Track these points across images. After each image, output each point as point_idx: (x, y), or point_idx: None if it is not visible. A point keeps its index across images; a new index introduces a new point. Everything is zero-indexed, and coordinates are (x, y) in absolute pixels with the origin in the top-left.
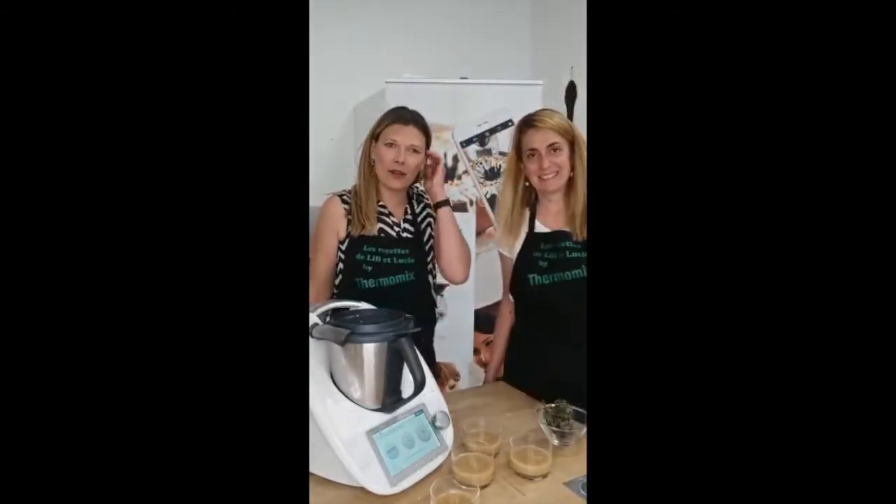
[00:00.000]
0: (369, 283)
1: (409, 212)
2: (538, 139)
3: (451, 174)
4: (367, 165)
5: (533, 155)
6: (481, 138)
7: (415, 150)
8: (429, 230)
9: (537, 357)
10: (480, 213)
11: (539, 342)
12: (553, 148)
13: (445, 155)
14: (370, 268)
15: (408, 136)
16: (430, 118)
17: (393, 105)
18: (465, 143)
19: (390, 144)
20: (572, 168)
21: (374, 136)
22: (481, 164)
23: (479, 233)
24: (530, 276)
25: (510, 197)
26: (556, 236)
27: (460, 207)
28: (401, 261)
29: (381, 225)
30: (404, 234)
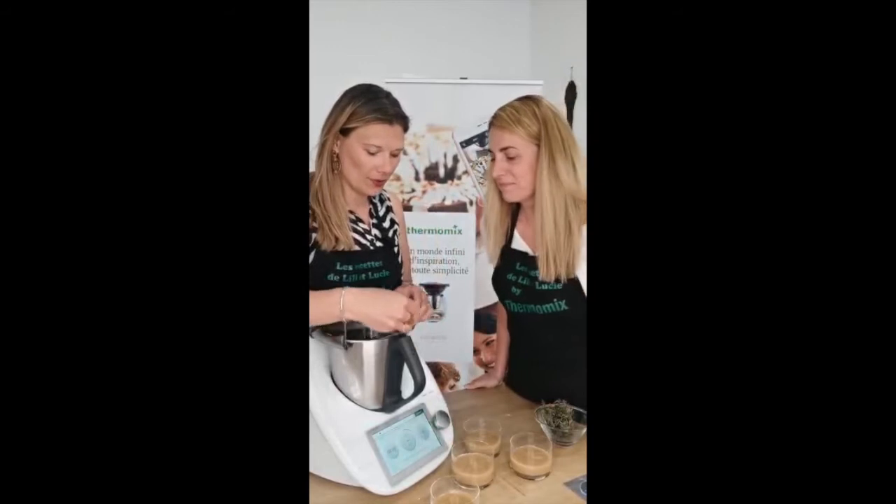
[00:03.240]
0: None
1: (373, 214)
2: (494, 140)
3: (450, 174)
4: (330, 162)
5: (494, 158)
6: (481, 138)
7: (396, 154)
8: (395, 235)
9: (522, 371)
10: (480, 213)
11: (522, 360)
12: (508, 154)
13: (445, 155)
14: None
15: (394, 139)
16: (430, 118)
17: None
18: (465, 143)
19: (374, 151)
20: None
21: (344, 130)
22: (481, 164)
23: (479, 233)
24: (506, 301)
25: (492, 200)
26: (531, 262)
27: (460, 207)
28: (376, 275)
29: (353, 235)
30: (377, 243)
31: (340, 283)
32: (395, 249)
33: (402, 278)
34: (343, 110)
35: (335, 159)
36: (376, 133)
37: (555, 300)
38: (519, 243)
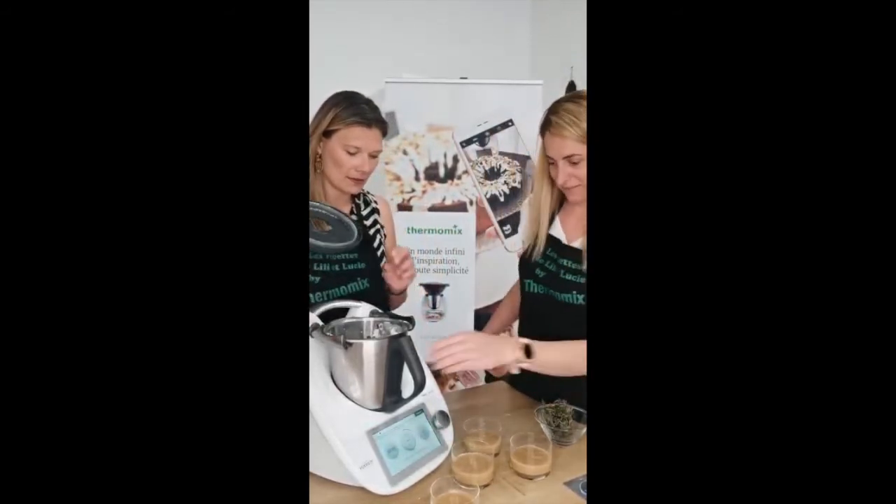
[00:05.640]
0: (317, 298)
1: (354, 211)
2: (554, 148)
3: (450, 174)
4: (312, 162)
5: (553, 163)
6: (481, 138)
7: (374, 155)
8: (378, 235)
9: None
10: (480, 213)
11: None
12: (571, 160)
13: (445, 155)
14: (317, 279)
15: (373, 141)
16: (430, 118)
17: (392, 106)
18: (465, 143)
19: (353, 152)
20: None
21: (325, 133)
22: (481, 164)
23: (479, 233)
24: (527, 280)
25: (541, 193)
26: (562, 249)
27: (460, 207)
28: (350, 266)
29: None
30: None
31: (312, 272)
32: (375, 245)
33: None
34: (326, 114)
35: (318, 160)
36: (356, 135)
37: (574, 292)
38: (557, 230)
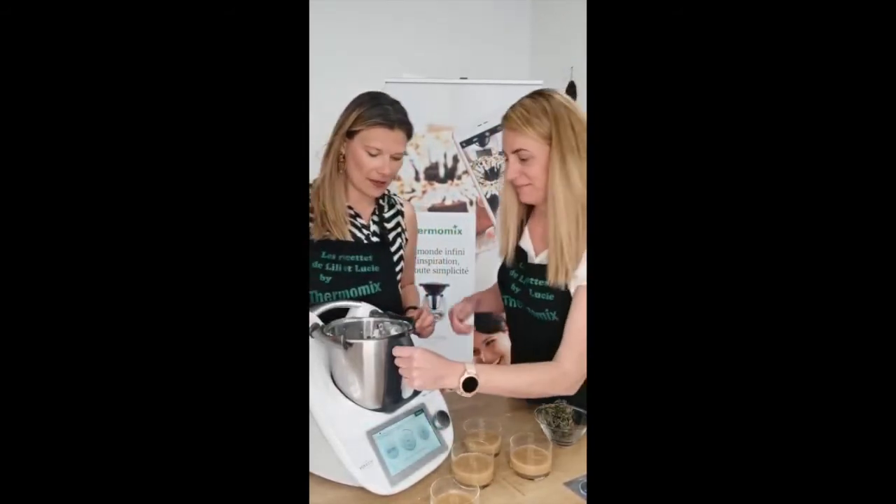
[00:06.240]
0: (325, 298)
1: (376, 213)
2: (507, 142)
3: (450, 174)
4: (335, 162)
5: (507, 159)
6: (481, 138)
7: (397, 157)
8: (399, 238)
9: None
10: (480, 213)
11: (521, 360)
12: (520, 156)
13: (445, 155)
14: (328, 279)
15: (395, 143)
16: (430, 118)
17: None
18: (465, 144)
19: (374, 153)
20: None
21: (349, 133)
22: (481, 164)
23: (479, 233)
24: (505, 296)
25: (508, 199)
26: (529, 267)
27: (460, 207)
28: (363, 269)
29: (349, 228)
30: (373, 238)
31: (324, 271)
32: (393, 249)
33: (400, 281)
34: (349, 114)
35: (341, 160)
36: (377, 136)
37: (546, 310)
38: (526, 241)
